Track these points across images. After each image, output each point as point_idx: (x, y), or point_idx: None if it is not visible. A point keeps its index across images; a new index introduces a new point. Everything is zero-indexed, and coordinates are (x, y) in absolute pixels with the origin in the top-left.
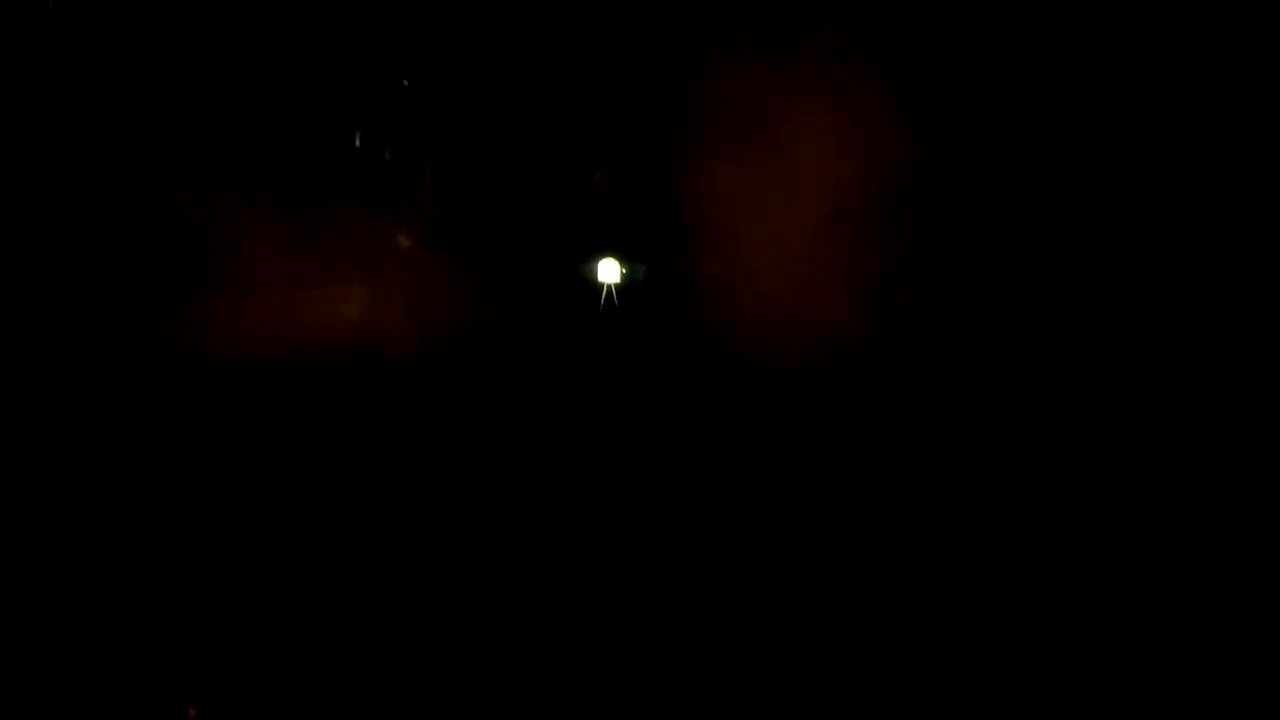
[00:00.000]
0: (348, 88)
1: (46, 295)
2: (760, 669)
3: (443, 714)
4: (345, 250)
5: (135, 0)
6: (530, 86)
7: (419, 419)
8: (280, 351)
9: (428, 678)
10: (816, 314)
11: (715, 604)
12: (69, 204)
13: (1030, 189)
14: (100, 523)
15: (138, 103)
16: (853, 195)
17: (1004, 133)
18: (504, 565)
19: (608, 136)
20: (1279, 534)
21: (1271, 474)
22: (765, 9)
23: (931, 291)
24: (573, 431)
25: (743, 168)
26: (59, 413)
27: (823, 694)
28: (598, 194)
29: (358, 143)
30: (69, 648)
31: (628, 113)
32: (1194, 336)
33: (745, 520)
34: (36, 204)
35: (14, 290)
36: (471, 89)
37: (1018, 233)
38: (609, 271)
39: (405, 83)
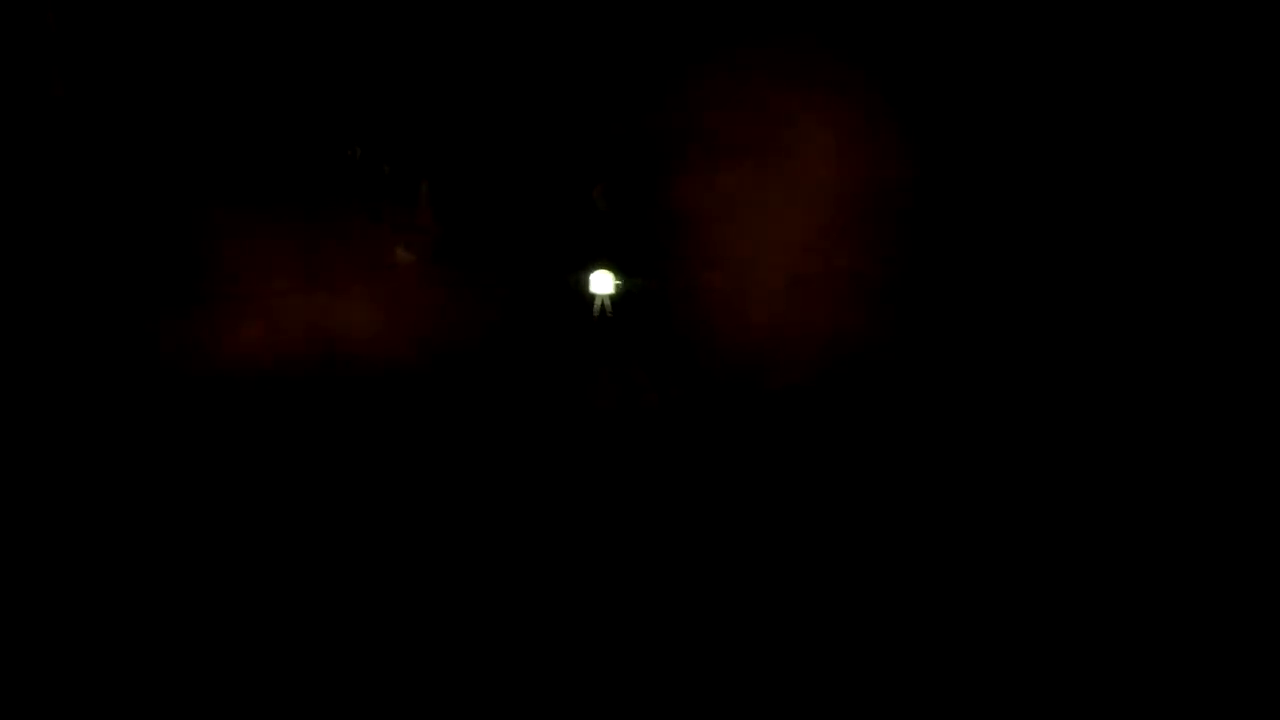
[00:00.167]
0: (348, 102)
1: (49, 304)
2: (761, 673)
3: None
4: (344, 262)
5: (137, 15)
6: (528, 100)
7: (416, 430)
8: (278, 361)
9: (428, 677)
10: (814, 324)
11: (713, 613)
12: (72, 216)
13: (1026, 195)
14: (100, 523)
15: (139, 118)
16: (850, 205)
17: (999, 141)
18: (498, 574)
19: (605, 148)
20: (1273, 533)
21: (1267, 474)
22: (762, 20)
23: (929, 299)
24: (569, 443)
25: (739, 177)
26: (60, 416)
27: (823, 694)
28: (596, 208)
29: (357, 156)
30: (69, 648)
31: (624, 123)
32: (1192, 336)
33: (742, 530)
34: (40, 216)
35: (17, 298)
36: (470, 102)
37: (1014, 239)
38: (605, 283)
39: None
